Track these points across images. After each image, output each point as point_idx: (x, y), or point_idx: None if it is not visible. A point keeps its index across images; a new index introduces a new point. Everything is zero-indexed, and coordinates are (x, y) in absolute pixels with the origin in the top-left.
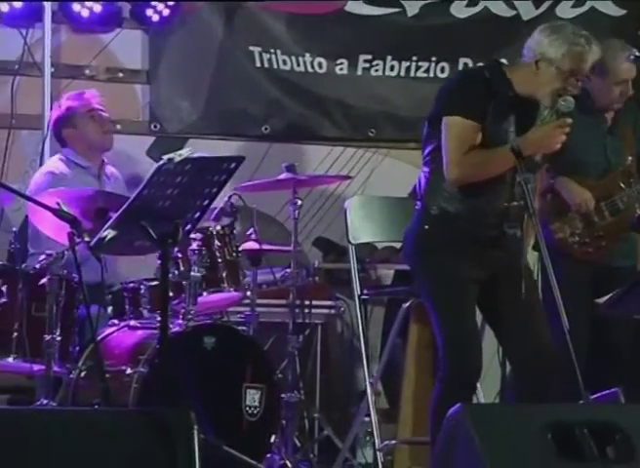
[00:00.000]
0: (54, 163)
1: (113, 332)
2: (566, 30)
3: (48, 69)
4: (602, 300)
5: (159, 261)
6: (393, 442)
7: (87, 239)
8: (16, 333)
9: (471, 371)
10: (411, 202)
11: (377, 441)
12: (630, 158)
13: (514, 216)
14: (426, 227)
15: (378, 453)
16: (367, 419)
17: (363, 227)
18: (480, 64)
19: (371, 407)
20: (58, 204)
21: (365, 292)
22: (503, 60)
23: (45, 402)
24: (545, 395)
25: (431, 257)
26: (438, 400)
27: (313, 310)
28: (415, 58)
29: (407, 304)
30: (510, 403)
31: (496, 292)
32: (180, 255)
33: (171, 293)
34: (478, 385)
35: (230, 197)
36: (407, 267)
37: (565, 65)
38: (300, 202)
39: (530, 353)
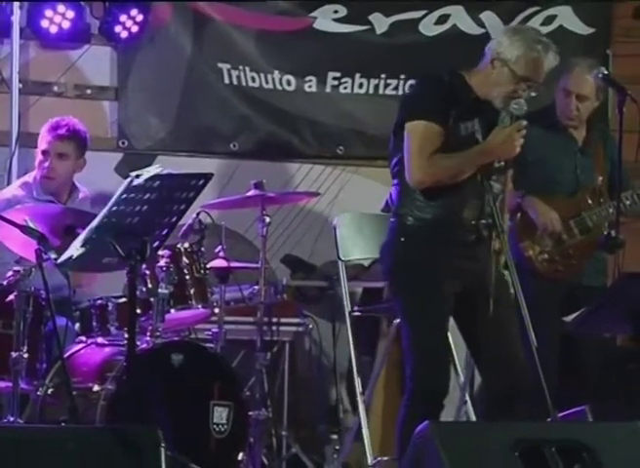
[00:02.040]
0: (13, 189)
1: (80, 350)
2: (527, 34)
3: (16, 85)
4: (569, 319)
5: (127, 278)
6: (386, 458)
7: (54, 256)
8: None
9: (440, 390)
10: None
11: (369, 458)
12: (600, 177)
13: (488, 214)
14: (402, 239)
15: None
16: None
17: (353, 244)
18: None
19: (363, 423)
20: (25, 221)
21: (355, 308)
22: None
23: (12, 419)
24: (515, 410)
25: (408, 271)
26: (405, 417)
27: (281, 328)
28: (383, 76)
29: (397, 321)
30: (478, 420)
31: (469, 304)
32: (147, 273)
33: (138, 311)
34: (468, 400)
35: (198, 214)
36: (375, 285)
37: (519, 69)
38: (268, 219)
39: (501, 367)
